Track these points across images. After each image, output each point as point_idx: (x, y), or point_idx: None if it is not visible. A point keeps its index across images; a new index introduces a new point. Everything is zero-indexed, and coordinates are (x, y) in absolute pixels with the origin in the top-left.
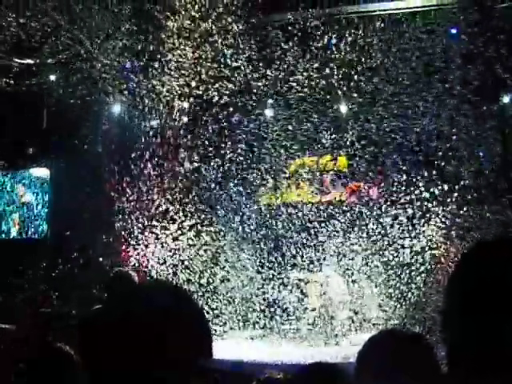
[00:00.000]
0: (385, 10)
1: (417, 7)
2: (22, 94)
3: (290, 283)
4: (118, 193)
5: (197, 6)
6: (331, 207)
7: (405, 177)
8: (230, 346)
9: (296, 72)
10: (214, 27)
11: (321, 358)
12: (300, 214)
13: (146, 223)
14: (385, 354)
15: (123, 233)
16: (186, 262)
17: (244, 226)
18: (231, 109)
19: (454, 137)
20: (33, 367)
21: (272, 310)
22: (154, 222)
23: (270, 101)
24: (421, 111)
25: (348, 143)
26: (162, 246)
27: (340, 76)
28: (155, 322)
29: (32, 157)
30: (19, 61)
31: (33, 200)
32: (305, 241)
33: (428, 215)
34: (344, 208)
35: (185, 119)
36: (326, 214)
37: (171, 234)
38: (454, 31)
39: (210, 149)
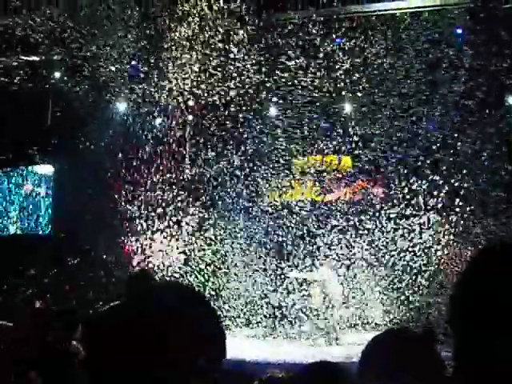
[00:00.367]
0: (386, 10)
1: (418, 7)
2: (26, 92)
3: (292, 283)
4: (121, 192)
5: (202, 7)
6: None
7: (408, 180)
8: (233, 344)
9: (300, 72)
10: (219, 28)
11: (323, 357)
12: (302, 213)
13: (150, 222)
14: (388, 354)
15: (126, 232)
16: (189, 260)
17: (248, 225)
18: (236, 108)
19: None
20: (33, 367)
21: (274, 309)
22: (158, 222)
23: (275, 99)
24: (425, 115)
25: (353, 144)
26: (167, 246)
27: (344, 76)
28: (158, 322)
29: (36, 154)
30: (25, 58)
31: (36, 196)
32: (306, 240)
33: (432, 219)
34: (345, 208)
35: (190, 118)
36: (328, 213)
37: (175, 233)
38: (459, 31)
39: (215, 148)
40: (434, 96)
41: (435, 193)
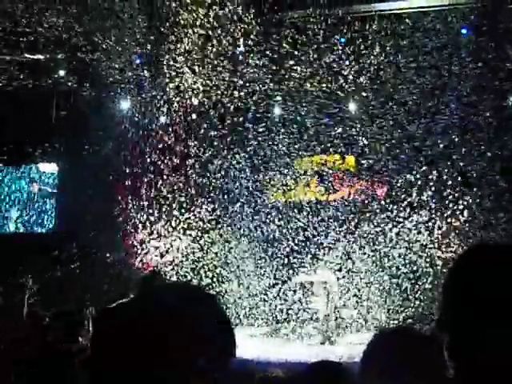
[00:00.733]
0: (391, 10)
1: (422, 7)
2: (30, 91)
3: (295, 282)
4: (124, 191)
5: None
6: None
7: (413, 179)
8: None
9: (306, 71)
10: (225, 26)
11: (325, 356)
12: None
13: (153, 222)
14: (390, 353)
15: (129, 231)
16: (193, 260)
17: (253, 224)
18: (241, 107)
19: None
20: (33, 367)
21: (277, 308)
22: (161, 221)
23: (279, 98)
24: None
25: (359, 143)
26: (170, 245)
27: (350, 75)
28: (157, 322)
29: (39, 153)
30: (29, 56)
31: (41, 194)
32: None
33: (438, 218)
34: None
35: (193, 116)
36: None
37: (178, 232)
38: (464, 31)
39: (219, 148)
40: (440, 96)
41: (438, 194)
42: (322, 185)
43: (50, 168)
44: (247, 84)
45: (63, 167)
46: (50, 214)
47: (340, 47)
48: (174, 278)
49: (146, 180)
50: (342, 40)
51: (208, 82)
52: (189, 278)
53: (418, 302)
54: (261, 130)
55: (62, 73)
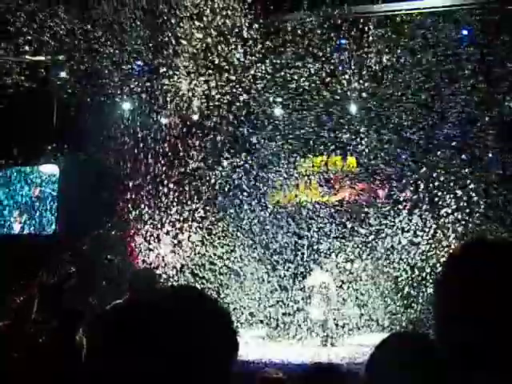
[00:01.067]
0: (399, 11)
1: (425, 8)
2: (31, 93)
3: (295, 285)
4: (127, 191)
5: (209, 7)
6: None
7: (412, 182)
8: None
9: (308, 72)
10: (225, 27)
11: (325, 357)
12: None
13: (157, 223)
14: (393, 358)
15: (133, 231)
16: (196, 261)
17: (255, 226)
18: (242, 109)
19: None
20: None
21: (278, 310)
22: (165, 222)
23: (279, 100)
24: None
25: (359, 144)
26: (174, 246)
27: (351, 77)
28: (149, 326)
29: (41, 154)
30: (31, 58)
31: (42, 196)
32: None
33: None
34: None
35: (195, 117)
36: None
37: (181, 234)
38: (465, 32)
39: (221, 149)
40: (442, 97)
41: (438, 195)
42: (324, 186)
43: (51, 170)
44: (247, 86)
45: (64, 169)
46: (52, 216)
47: (340, 48)
48: (171, 277)
49: (147, 183)
50: (343, 41)
51: (208, 84)
52: (190, 279)
53: (419, 307)
54: (261, 132)
55: (63, 74)
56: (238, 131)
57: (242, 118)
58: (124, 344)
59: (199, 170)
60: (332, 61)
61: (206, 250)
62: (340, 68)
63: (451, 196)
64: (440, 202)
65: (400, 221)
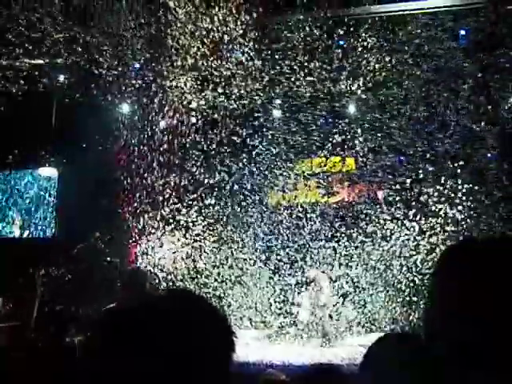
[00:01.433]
0: (390, 12)
1: (423, 8)
2: (30, 96)
3: (293, 284)
4: (126, 194)
5: (208, 8)
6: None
7: (413, 178)
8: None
9: (306, 73)
10: (224, 27)
11: (325, 358)
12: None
13: (156, 224)
14: (389, 358)
15: (132, 234)
16: (195, 262)
17: (254, 227)
18: (240, 110)
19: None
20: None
21: (277, 311)
22: (164, 223)
23: (278, 101)
24: (429, 113)
25: (357, 145)
26: (173, 247)
27: (351, 77)
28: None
29: (40, 157)
30: (29, 61)
31: (41, 200)
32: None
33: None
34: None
35: (193, 120)
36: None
37: (180, 235)
38: (462, 32)
39: (219, 150)
40: (441, 98)
41: (438, 195)
42: (323, 187)
43: (49, 173)
44: (246, 88)
45: (63, 172)
46: (50, 219)
47: (339, 49)
48: (169, 278)
49: (147, 185)
50: (341, 42)
51: (206, 86)
52: (189, 281)
53: (420, 307)
54: (260, 133)
55: (61, 78)
56: (236, 133)
57: (241, 119)
58: (121, 345)
59: (199, 173)
60: (330, 62)
61: (206, 253)
62: (339, 69)
63: (451, 197)
64: (440, 203)
65: (400, 222)
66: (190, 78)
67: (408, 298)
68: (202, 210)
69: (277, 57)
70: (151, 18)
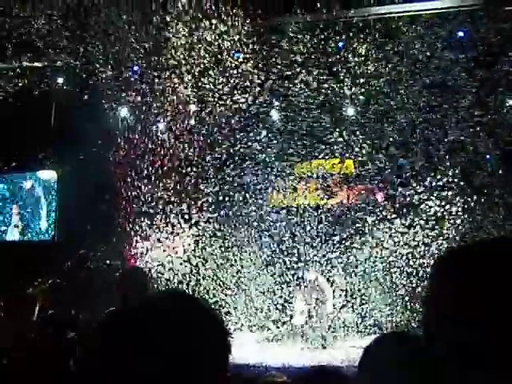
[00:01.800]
0: (389, 14)
1: (422, 10)
2: (29, 98)
3: (292, 287)
4: (125, 196)
5: (205, 10)
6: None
7: (412, 180)
8: (236, 348)
9: (305, 74)
10: (222, 29)
11: (325, 361)
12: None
13: (154, 226)
14: (387, 358)
15: (130, 236)
16: (195, 264)
17: (253, 230)
18: (238, 111)
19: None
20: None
21: (278, 312)
22: (162, 225)
23: (277, 103)
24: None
25: (356, 147)
26: (171, 248)
27: (348, 80)
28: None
29: (39, 160)
30: (28, 64)
31: (40, 202)
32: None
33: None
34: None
35: (192, 122)
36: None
37: (179, 236)
38: (461, 34)
39: (217, 152)
40: (441, 100)
41: (437, 197)
42: (322, 189)
43: (49, 175)
44: (245, 90)
45: (63, 175)
46: (50, 221)
47: (337, 51)
48: (167, 280)
49: (146, 187)
50: (340, 44)
51: (205, 87)
52: (189, 283)
53: (417, 306)
54: (259, 135)
55: (61, 80)
56: (235, 135)
57: (239, 122)
58: (119, 345)
59: (198, 176)
60: (329, 64)
61: (205, 254)
62: (338, 71)
63: (451, 199)
64: (440, 205)
65: (399, 224)
66: (189, 80)
67: (407, 300)
68: (201, 213)
69: (276, 59)
70: (150, 28)
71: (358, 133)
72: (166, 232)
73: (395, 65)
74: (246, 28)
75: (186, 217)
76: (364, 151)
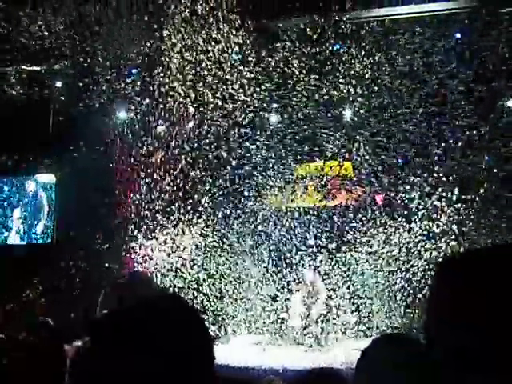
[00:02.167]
0: (387, 16)
1: (418, 12)
2: (28, 102)
3: (289, 289)
4: (123, 198)
5: (202, 12)
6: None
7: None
8: (235, 351)
9: (303, 76)
10: (219, 31)
11: (325, 363)
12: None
13: (152, 228)
14: (384, 360)
15: (129, 239)
16: (191, 267)
17: (252, 231)
18: (237, 114)
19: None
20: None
21: (276, 315)
22: (160, 227)
23: (275, 105)
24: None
25: (355, 149)
26: (169, 251)
27: (347, 81)
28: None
29: (38, 163)
30: (27, 68)
31: (39, 206)
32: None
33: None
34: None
35: (190, 125)
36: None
37: (176, 239)
38: (458, 35)
39: (216, 154)
40: (438, 102)
41: (437, 200)
42: (321, 191)
43: (48, 179)
44: (244, 92)
45: (61, 178)
46: (49, 225)
47: (335, 53)
48: (165, 283)
49: (145, 189)
50: (337, 46)
51: (203, 89)
52: (188, 287)
53: (416, 309)
54: (257, 138)
55: (59, 84)
56: (234, 138)
57: (239, 124)
58: (114, 345)
59: (198, 179)
60: (328, 66)
61: (204, 258)
62: (336, 73)
63: (451, 201)
64: (440, 207)
65: (399, 225)
66: (188, 82)
67: (406, 302)
68: (200, 216)
69: (275, 61)
70: (150, 33)
71: (356, 135)
72: (164, 235)
73: (393, 67)
74: (243, 31)
75: (185, 220)
76: (362, 153)
